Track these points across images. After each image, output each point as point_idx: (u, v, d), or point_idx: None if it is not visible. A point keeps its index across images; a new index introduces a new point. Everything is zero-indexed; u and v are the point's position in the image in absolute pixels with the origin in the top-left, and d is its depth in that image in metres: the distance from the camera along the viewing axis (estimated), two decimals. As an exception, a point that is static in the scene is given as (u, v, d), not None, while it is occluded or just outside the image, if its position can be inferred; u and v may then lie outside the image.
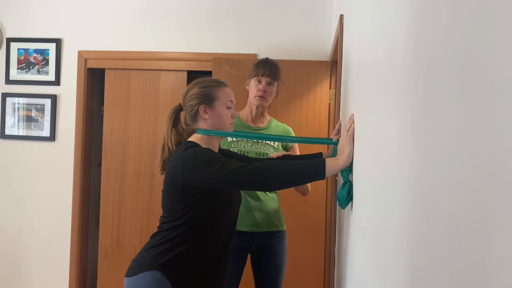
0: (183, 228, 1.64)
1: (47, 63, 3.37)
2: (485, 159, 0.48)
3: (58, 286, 3.38)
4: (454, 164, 0.57)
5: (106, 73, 3.40)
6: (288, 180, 1.60)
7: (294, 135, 2.42)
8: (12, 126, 3.41)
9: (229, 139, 2.23)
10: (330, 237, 2.67)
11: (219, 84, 1.79)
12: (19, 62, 3.40)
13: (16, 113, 3.40)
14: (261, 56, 2.95)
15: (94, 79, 3.49)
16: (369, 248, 1.15)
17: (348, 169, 1.55)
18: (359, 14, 1.62)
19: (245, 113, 2.34)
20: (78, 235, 3.37)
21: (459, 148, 0.55)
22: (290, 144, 2.34)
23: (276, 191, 2.32)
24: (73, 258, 3.37)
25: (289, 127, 2.41)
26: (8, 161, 3.41)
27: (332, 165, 1.53)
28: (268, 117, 2.39)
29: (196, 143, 1.70)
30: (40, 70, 3.38)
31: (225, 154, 1.87)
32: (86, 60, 3.36)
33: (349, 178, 1.56)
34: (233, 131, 1.88)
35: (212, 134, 1.74)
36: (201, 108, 1.74)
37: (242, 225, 2.17)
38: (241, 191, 1.94)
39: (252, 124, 2.32)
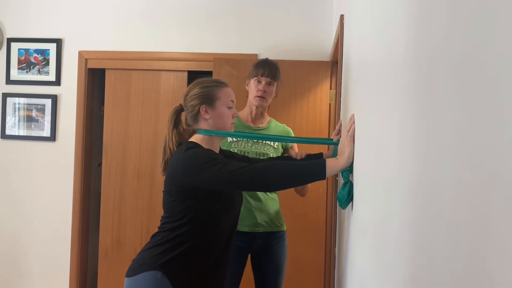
0: (184, 229, 1.64)
1: (47, 63, 3.38)
2: (486, 159, 0.48)
3: (58, 286, 3.38)
4: (454, 164, 0.57)
5: (107, 73, 3.40)
6: (288, 180, 1.60)
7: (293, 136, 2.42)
8: (13, 126, 3.41)
9: (229, 139, 2.23)
10: (331, 237, 2.67)
11: (220, 84, 1.79)
12: (19, 62, 3.40)
13: (17, 113, 3.40)
14: (262, 56, 2.95)
15: (94, 79, 3.49)
16: (370, 248, 1.15)
17: (348, 170, 1.55)
18: (359, 14, 1.62)
19: (245, 114, 2.34)
20: (78, 235, 3.37)
21: (459, 148, 0.55)
22: (290, 144, 2.35)
23: (277, 192, 2.32)
24: (74, 258, 3.37)
25: (288, 128, 2.42)
26: (8, 161, 3.41)
27: (333, 165, 1.53)
28: (268, 118, 2.40)
29: (197, 144, 1.70)
30: (41, 70, 3.38)
31: (225, 154, 1.87)
32: (86, 60, 3.36)
33: (350, 179, 1.57)
34: (233, 131, 1.88)
35: (213, 134, 1.74)
36: (202, 109, 1.74)
37: (243, 225, 2.17)
38: (242, 192, 1.94)
39: (252, 124, 2.32)
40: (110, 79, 3.39)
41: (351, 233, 1.56)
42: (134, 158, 3.35)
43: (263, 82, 2.25)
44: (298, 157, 1.92)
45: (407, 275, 0.77)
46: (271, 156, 2.23)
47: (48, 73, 3.37)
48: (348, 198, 1.54)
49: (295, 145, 2.38)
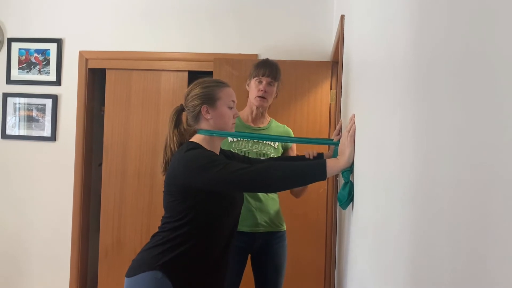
0: (184, 229, 1.64)
1: (48, 63, 3.38)
2: (486, 159, 0.48)
3: (58, 286, 3.38)
4: (454, 164, 0.57)
5: (107, 73, 3.40)
6: (289, 181, 1.60)
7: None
8: (13, 126, 3.41)
9: (230, 139, 2.23)
10: (331, 237, 2.67)
11: (221, 84, 1.79)
12: (20, 62, 3.40)
13: (17, 113, 3.40)
14: (262, 56, 2.95)
15: (95, 79, 3.49)
16: (370, 248, 1.15)
17: (349, 170, 1.55)
18: (359, 15, 1.62)
19: (245, 114, 2.34)
20: (78, 235, 3.37)
21: (459, 148, 0.55)
22: (290, 144, 2.35)
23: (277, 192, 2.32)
24: (74, 258, 3.37)
25: (289, 128, 2.42)
26: (8, 161, 3.41)
27: (333, 165, 1.53)
28: (268, 118, 2.40)
29: (198, 144, 1.70)
30: (41, 70, 3.38)
31: (226, 155, 1.87)
32: (87, 60, 3.36)
33: (350, 179, 1.57)
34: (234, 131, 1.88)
35: (214, 134, 1.74)
36: (203, 109, 1.74)
37: (243, 225, 2.17)
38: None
39: (252, 125, 2.32)
40: (110, 79, 3.39)
41: (351, 233, 1.56)
42: (135, 158, 3.35)
43: (264, 82, 2.25)
44: (311, 157, 1.91)
45: (407, 275, 0.77)
46: (272, 156, 2.23)
47: (49, 73, 3.38)
48: (348, 198, 1.54)
49: (294, 146, 2.38)
